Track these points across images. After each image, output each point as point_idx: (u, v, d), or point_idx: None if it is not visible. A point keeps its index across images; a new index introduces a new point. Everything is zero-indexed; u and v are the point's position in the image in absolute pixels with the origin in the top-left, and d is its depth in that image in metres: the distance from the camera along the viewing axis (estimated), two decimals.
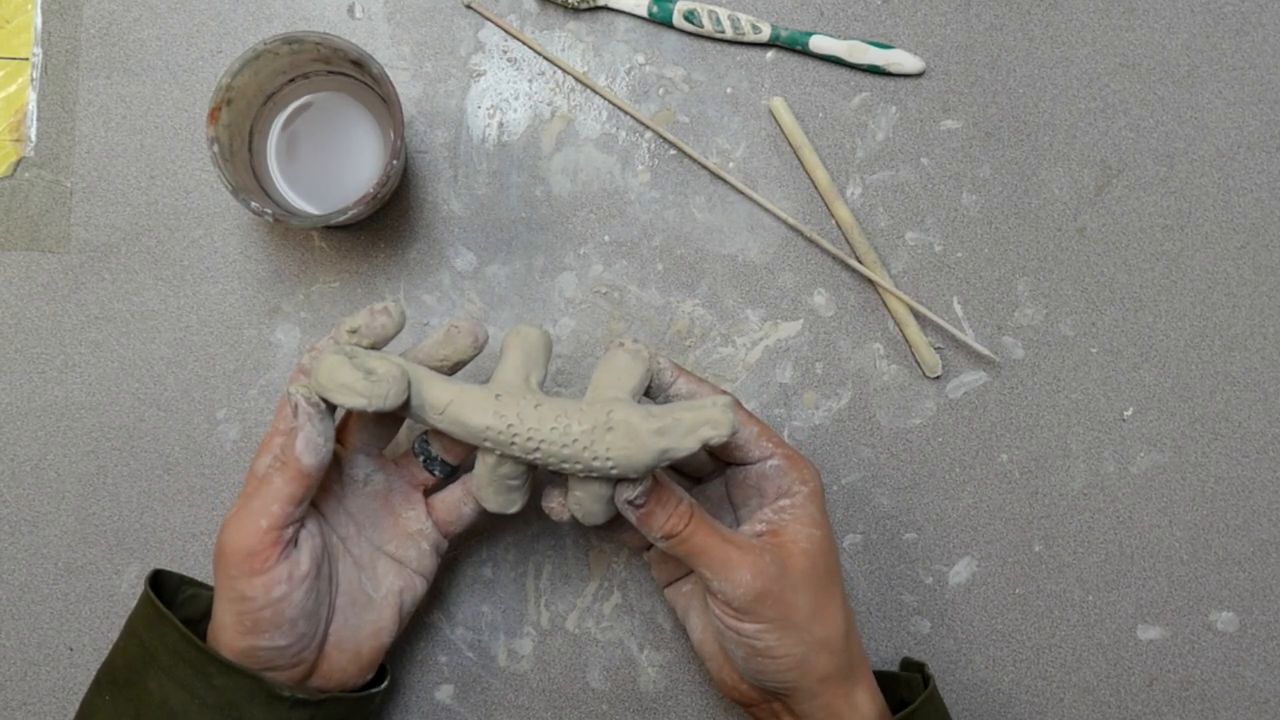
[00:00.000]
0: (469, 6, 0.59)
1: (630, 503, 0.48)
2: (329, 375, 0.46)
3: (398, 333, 0.49)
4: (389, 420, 0.52)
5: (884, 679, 0.54)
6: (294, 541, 0.47)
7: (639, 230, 0.60)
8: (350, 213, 0.51)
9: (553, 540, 0.59)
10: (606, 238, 0.60)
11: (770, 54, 0.60)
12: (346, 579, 0.51)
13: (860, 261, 0.59)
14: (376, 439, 0.52)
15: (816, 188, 0.60)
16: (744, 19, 0.59)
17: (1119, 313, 0.61)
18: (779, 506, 0.50)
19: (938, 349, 0.60)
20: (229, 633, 0.47)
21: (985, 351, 0.59)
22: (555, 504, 0.51)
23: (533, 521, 0.59)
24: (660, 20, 0.59)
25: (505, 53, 0.60)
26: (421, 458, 0.53)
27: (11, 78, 0.59)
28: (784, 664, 0.49)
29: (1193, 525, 0.60)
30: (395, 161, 0.52)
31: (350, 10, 0.60)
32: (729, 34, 0.59)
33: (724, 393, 0.50)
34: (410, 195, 0.59)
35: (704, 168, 0.60)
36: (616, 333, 0.59)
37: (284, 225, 0.57)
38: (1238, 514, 0.60)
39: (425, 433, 0.53)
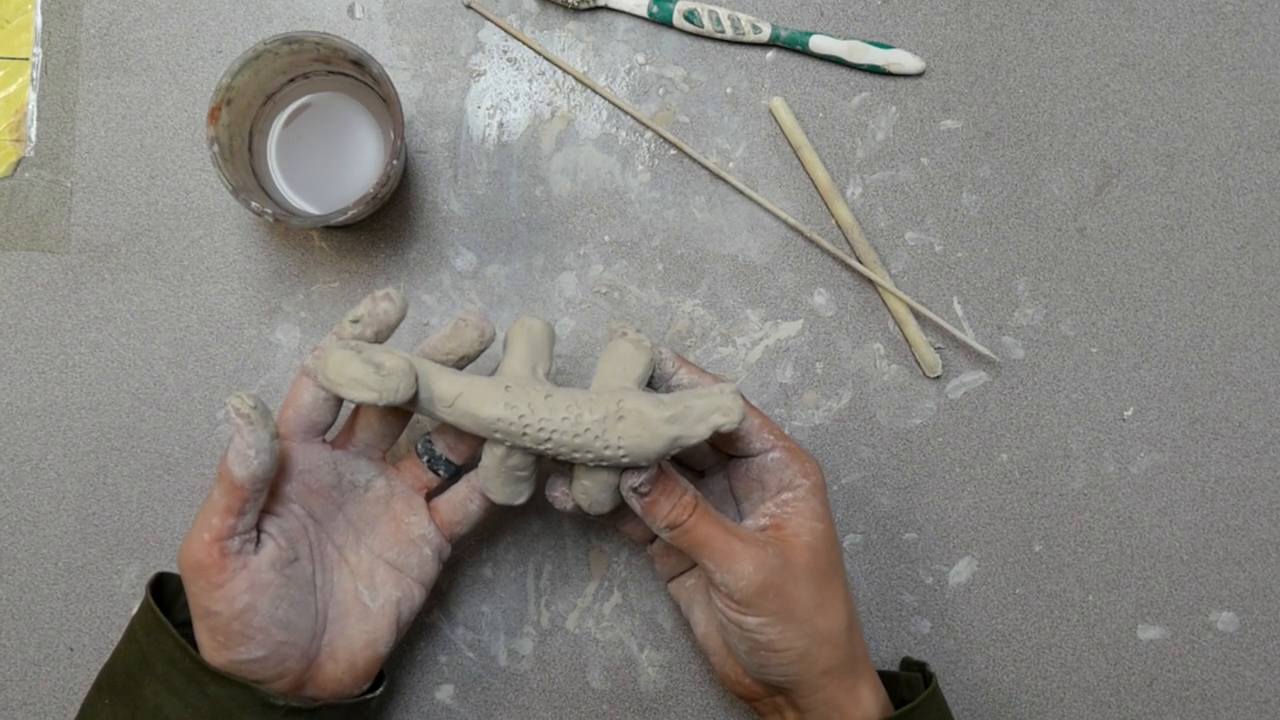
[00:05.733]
0: (469, 6, 0.60)
1: (635, 490, 0.48)
2: (338, 370, 0.46)
3: (400, 319, 0.49)
4: (393, 420, 0.52)
5: (884, 679, 0.54)
6: (251, 551, 0.47)
7: (639, 230, 0.60)
8: (350, 213, 0.51)
9: (553, 540, 0.59)
10: (606, 238, 0.60)
11: (770, 54, 0.60)
12: (342, 588, 0.50)
13: (860, 261, 0.59)
14: (380, 440, 0.52)
15: (816, 188, 0.60)
16: (744, 19, 0.59)
17: (1119, 313, 0.61)
18: (781, 500, 0.50)
19: (938, 349, 0.60)
20: (207, 649, 0.47)
21: (985, 351, 0.59)
22: (559, 493, 0.51)
23: (533, 521, 0.59)
24: (660, 20, 0.60)
25: (505, 53, 0.60)
26: (425, 458, 0.52)
27: (11, 78, 0.59)
28: (786, 657, 0.49)
29: (1193, 525, 0.60)
30: (395, 161, 0.52)
31: (350, 10, 0.60)
32: (729, 34, 0.59)
33: (726, 382, 0.50)
34: (410, 195, 0.59)
35: (704, 168, 0.60)
36: (617, 329, 0.59)
37: (284, 225, 0.57)
38: (1238, 514, 0.60)
39: (429, 433, 0.53)
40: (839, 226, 0.60)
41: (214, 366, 0.59)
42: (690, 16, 0.59)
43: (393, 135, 0.52)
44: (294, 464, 0.49)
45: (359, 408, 0.52)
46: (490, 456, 0.49)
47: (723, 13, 0.59)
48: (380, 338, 0.49)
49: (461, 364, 0.50)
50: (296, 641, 0.48)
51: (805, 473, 0.50)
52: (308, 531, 0.50)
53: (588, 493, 0.49)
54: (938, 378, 0.60)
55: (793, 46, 0.60)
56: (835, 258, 0.60)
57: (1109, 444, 0.60)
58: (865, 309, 0.60)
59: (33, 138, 0.59)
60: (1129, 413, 0.60)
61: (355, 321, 0.48)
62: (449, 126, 0.59)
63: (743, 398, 0.48)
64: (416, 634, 0.59)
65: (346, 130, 0.57)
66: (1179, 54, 0.61)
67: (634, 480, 0.48)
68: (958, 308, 0.60)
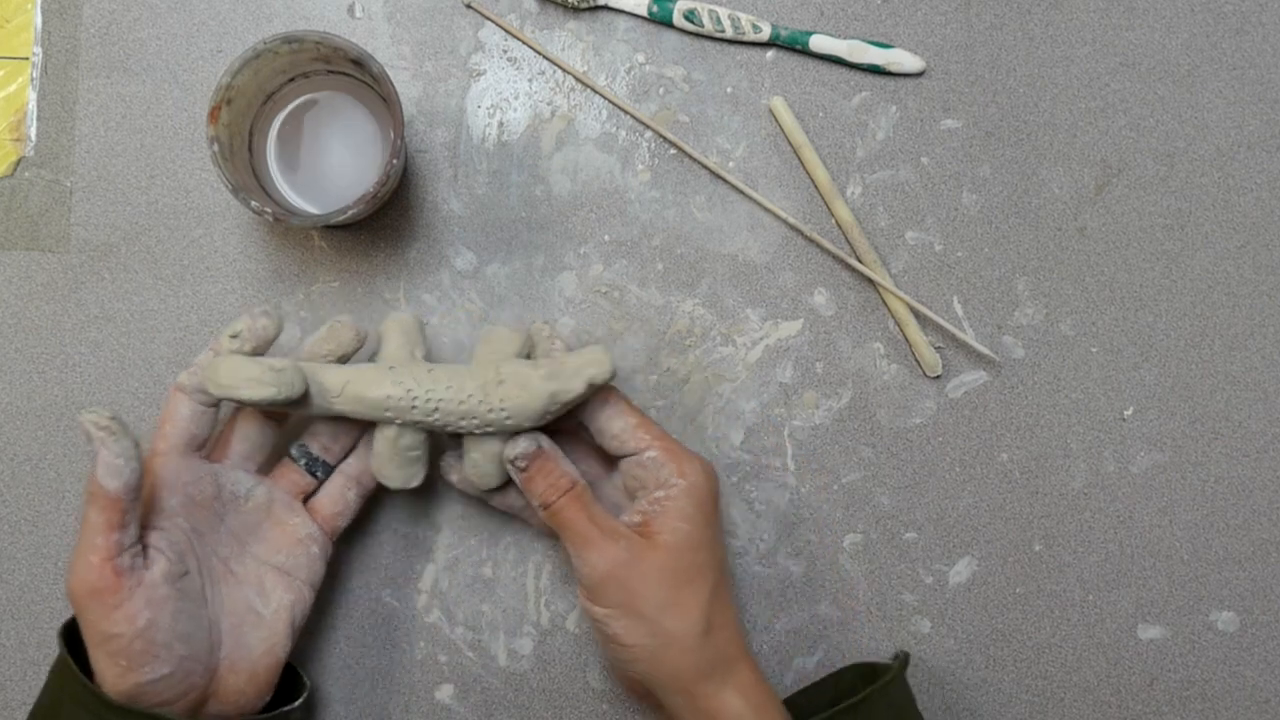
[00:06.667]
0: (469, 6, 0.60)
1: (513, 463, 0.51)
2: (232, 373, 0.47)
3: (277, 335, 0.51)
4: (269, 429, 0.53)
5: (867, 670, 0.55)
6: (143, 567, 0.47)
7: (639, 230, 0.60)
8: (350, 212, 0.51)
9: (553, 540, 0.59)
10: (606, 237, 0.60)
11: (770, 53, 0.60)
12: (232, 599, 0.50)
13: (860, 261, 0.59)
14: (257, 450, 0.53)
15: (816, 187, 0.60)
16: (744, 18, 0.59)
17: (1119, 313, 0.61)
18: (654, 498, 0.51)
19: (938, 348, 0.60)
20: (110, 678, 0.46)
21: (985, 351, 0.59)
22: (451, 470, 0.54)
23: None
24: (660, 20, 0.59)
25: (505, 52, 0.60)
26: (302, 461, 0.53)
27: (11, 78, 0.59)
28: (633, 654, 0.50)
29: (1193, 525, 0.60)
30: (395, 161, 0.52)
31: (350, 10, 0.60)
32: (729, 33, 0.59)
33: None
34: (410, 195, 0.59)
35: (704, 167, 0.60)
36: (617, 332, 0.59)
37: (284, 225, 0.57)
38: (1238, 514, 0.60)
39: (302, 439, 0.54)
40: (839, 226, 0.60)
41: None
42: (690, 16, 0.59)
43: (393, 135, 0.52)
44: (177, 478, 0.49)
45: (234, 421, 0.53)
46: (382, 441, 0.51)
47: (723, 12, 0.59)
48: (258, 353, 0.50)
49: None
50: (198, 655, 0.48)
51: (681, 473, 0.51)
52: (193, 545, 0.50)
53: (477, 465, 0.52)
54: (938, 377, 0.60)
55: (793, 46, 0.60)
56: (835, 257, 0.60)
57: (1109, 444, 0.60)
58: (865, 308, 0.60)
59: (33, 138, 0.59)
60: (1129, 413, 0.60)
61: (234, 336, 0.50)
62: (449, 126, 0.59)
63: (624, 400, 0.51)
64: (416, 634, 0.59)
65: (346, 130, 0.57)
66: (1179, 54, 0.61)
67: (513, 452, 0.50)
68: (958, 307, 0.60)
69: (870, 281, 0.60)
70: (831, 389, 0.60)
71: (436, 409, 0.49)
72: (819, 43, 0.59)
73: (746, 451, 0.60)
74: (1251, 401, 0.61)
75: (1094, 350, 0.60)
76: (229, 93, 0.51)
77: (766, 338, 0.60)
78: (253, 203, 0.51)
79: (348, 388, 0.49)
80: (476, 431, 0.50)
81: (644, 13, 0.59)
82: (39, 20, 0.59)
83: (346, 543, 0.58)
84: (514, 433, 0.51)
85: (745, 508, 0.60)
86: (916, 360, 0.60)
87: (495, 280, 0.59)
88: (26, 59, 0.59)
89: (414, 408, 0.49)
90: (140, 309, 0.59)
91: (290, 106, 0.56)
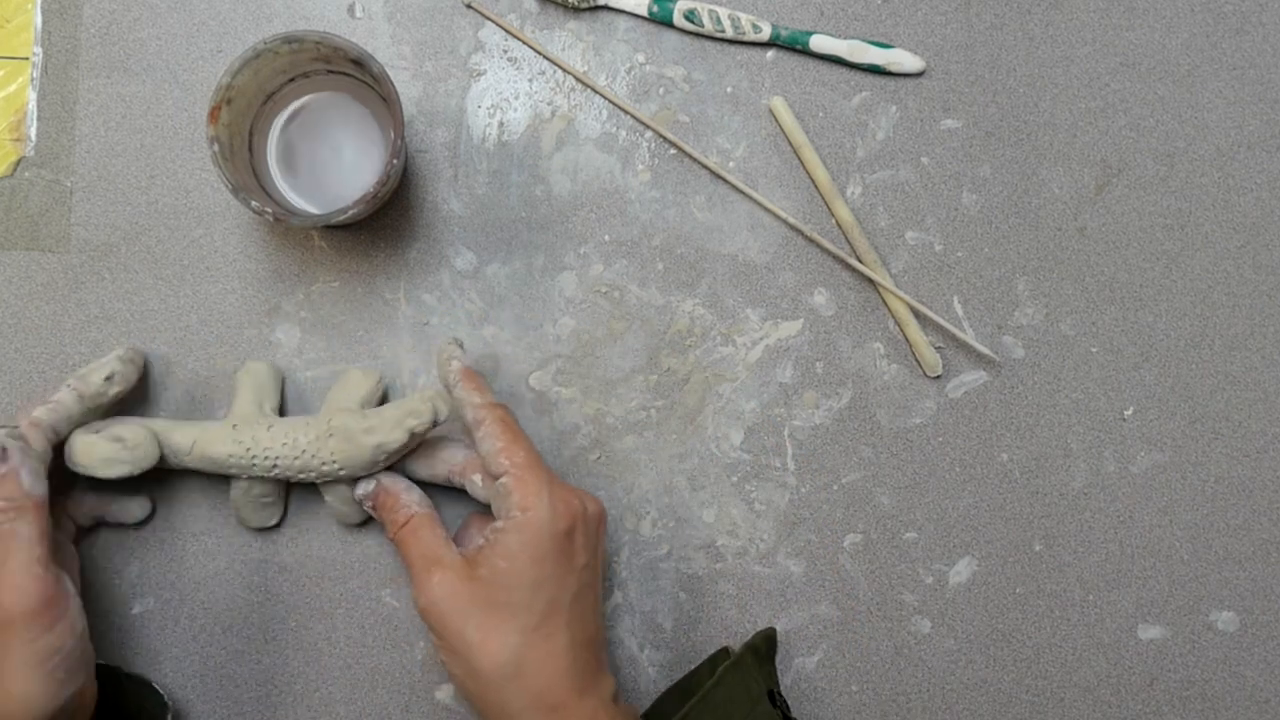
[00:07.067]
0: (469, 6, 0.60)
1: (361, 503, 0.54)
2: (89, 456, 0.50)
3: (138, 378, 0.55)
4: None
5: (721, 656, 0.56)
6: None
7: (639, 230, 0.60)
8: (350, 212, 0.51)
9: None
10: (607, 237, 0.60)
11: (770, 53, 0.60)
12: None
13: (860, 261, 0.59)
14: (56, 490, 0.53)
15: (816, 187, 0.60)
16: (744, 18, 0.59)
17: (1119, 313, 0.61)
18: (494, 527, 0.49)
19: (938, 348, 0.60)
20: (42, 701, 0.45)
21: (985, 351, 0.59)
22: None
23: None
24: (660, 20, 0.59)
25: (505, 52, 0.60)
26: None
27: (11, 77, 0.59)
28: (458, 685, 0.50)
29: (1193, 525, 0.60)
30: (395, 161, 0.52)
31: (350, 10, 0.60)
32: (729, 33, 0.59)
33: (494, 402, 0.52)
34: (410, 195, 0.59)
35: (704, 167, 0.60)
36: (617, 332, 0.59)
37: (284, 225, 0.57)
38: (1238, 514, 0.60)
39: None
40: (839, 226, 0.60)
41: (214, 366, 0.59)
42: (690, 16, 0.59)
43: (393, 135, 0.52)
44: None
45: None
46: (236, 490, 0.55)
47: (723, 12, 0.59)
48: (120, 396, 0.53)
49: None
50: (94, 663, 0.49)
51: (523, 506, 0.48)
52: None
53: (333, 508, 0.56)
54: (938, 377, 0.60)
55: (793, 46, 0.60)
56: (835, 257, 0.60)
57: (1109, 444, 0.60)
58: (865, 308, 0.60)
59: (33, 138, 0.59)
60: (1129, 413, 0.60)
61: (108, 379, 0.52)
62: (449, 126, 0.59)
63: (505, 421, 0.51)
64: (416, 634, 0.59)
65: (346, 130, 0.57)
66: (1179, 54, 0.61)
67: (359, 493, 0.54)
68: (958, 307, 0.60)
69: (870, 281, 0.60)
70: (831, 389, 0.60)
71: (275, 465, 0.52)
72: (819, 43, 0.59)
73: (746, 451, 0.60)
74: (1251, 401, 0.61)
75: (1094, 350, 0.60)
76: (229, 93, 0.51)
77: (766, 338, 0.60)
78: (253, 203, 0.51)
79: (195, 447, 0.52)
80: (318, 481, 0.53)
81: (644, 13, 0.59)
82: (39, 20, 0.59)
83: (346, 542, 0.58)
84: (354, 480, 0.54)
85: (745, 508, 0.60)
86: (916, 360, 0.60)
87: (495, 280, 0.59)
88: (26, 59, 0.59)
89: (254, 465, 0.52)
90: (140, 309, 0.59)
91: (290, 106, 0.56)
